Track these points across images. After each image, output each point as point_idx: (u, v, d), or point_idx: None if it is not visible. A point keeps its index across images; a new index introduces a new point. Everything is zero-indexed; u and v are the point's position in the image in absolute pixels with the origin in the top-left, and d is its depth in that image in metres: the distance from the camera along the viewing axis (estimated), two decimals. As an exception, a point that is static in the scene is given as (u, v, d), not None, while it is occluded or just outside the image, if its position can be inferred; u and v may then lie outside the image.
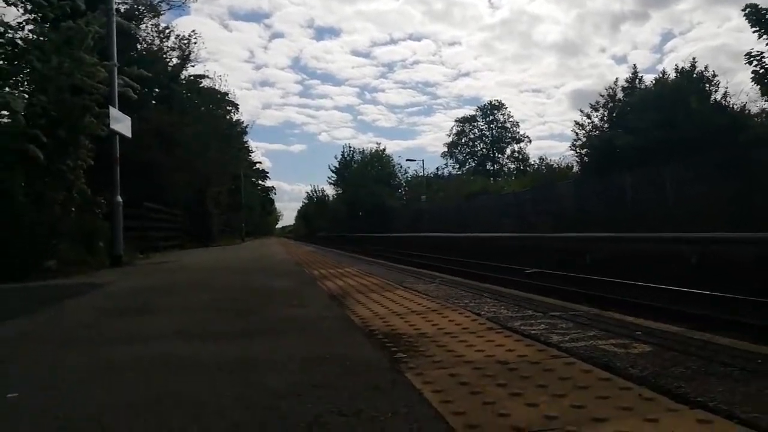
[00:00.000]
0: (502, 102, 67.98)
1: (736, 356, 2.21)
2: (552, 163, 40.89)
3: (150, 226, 18.97)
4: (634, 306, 8.49)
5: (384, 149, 65.29)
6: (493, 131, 65.07)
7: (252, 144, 76.53)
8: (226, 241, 35.05)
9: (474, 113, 66.59)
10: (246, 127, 48.39)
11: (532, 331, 2.82)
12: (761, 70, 16.85)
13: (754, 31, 16.57)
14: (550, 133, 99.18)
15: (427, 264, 16.00)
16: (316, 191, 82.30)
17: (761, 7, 16.61)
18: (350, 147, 69.77)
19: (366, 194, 54.63)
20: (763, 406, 1.60)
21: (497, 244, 22.31)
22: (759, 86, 17.44)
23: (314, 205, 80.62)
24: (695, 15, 72.88)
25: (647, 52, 78.59)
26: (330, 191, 74.28)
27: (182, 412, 1.80)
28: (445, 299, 4.10)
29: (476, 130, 66.02)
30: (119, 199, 11.63)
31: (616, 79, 30.22)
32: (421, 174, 52.58)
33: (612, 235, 16.12)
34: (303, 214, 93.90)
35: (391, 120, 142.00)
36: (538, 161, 47.88)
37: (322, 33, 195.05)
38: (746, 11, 16.74)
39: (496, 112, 65.22)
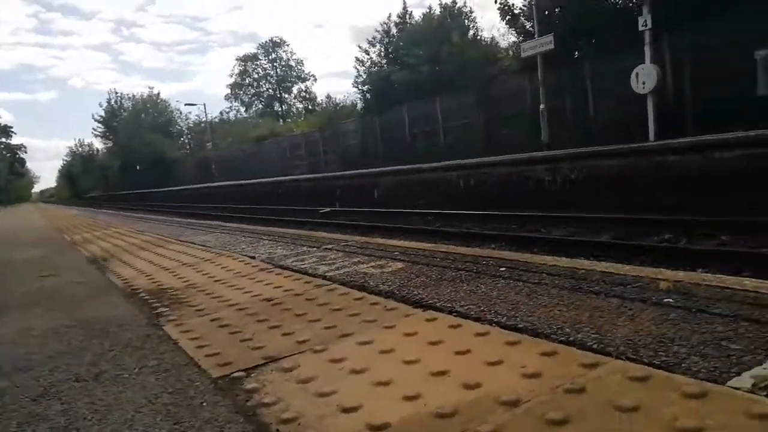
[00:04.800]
0: (284, 39, 66.23)
1: (468, 261, 2.59)
2: (337, 101, 41.64)
3: None
4: (411, 231, 9.50)
5: (158, 93, 59.11)
6: (278, 70, 63.21)
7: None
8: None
9: (256, 51, 63.71)
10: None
11: (303, 266, 2.91)
12: (505, 6, 19.18)
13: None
14: (334, 70, 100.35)
15: (216, 215, 15.38)
16: (81, 146, 71.32)
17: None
18: (117, 93, 61.35)
19: (141, 145, 49.16)
20: (476, 299, 1.91)
21: (290, 187, 22.42)
22: (504, 21, 19.85)
23: (80, 163, 69.91)
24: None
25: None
26: (99, 145, 65.09)
27: None
28: (222, 247, 3.99)
29: (260, 70, 63.34)
30: None
31: (389, 14, 31.40)
32: (204, 119, 49.11)
33: (395, 168, 17.38)
34: (66, 173, 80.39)
35: (159, 60, 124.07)
36: (325, 99, 48.26)
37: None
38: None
39: (278, 49, 63.19)
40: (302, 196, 19.90)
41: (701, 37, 11.47)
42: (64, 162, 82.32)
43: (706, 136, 8.94)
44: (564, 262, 2.35)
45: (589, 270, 2.11)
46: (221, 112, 58.79)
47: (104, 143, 61.82)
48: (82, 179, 67.64)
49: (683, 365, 1.18)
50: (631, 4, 14.52)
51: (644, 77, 11.75)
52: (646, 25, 11.41)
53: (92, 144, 68.05)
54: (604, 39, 14.30)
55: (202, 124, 49.36)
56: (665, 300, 1.63)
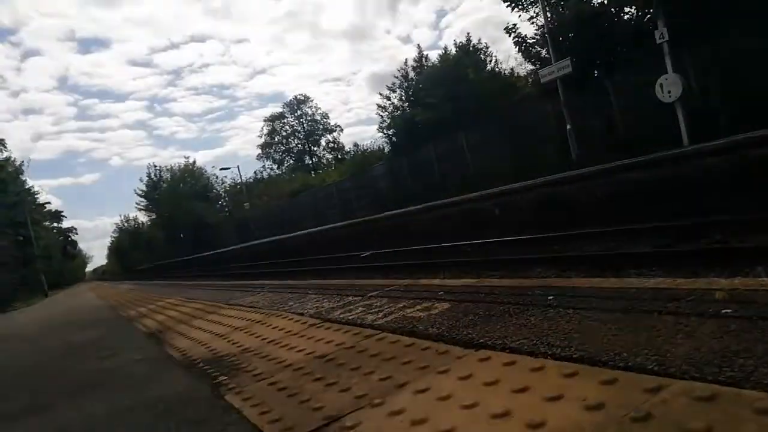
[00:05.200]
0: (307, 95, 68.66)
1: (514, 293, 2.57)
2: (365, 147, 42.60)
3: None
4: (453, 265, 9.44)
5: (194, 162, 61.73)
6: (304, 125, 65.28)
7: (33, 183, 66.08)
8: (24, 301, 30.00)
9: (281, 110, 66.14)
10: (20, 165, 41.83)
11: (351, 317, 2.94)
12: (518, 39, 19.51)
13: (507, 5, 19.08)
14: (357, 119, 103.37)
15: (260, 273, 15.66)
16: (126, 221, 74.60)
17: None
18: (155, 166, 64.52)
19: (183, 213, 51.12)
20: (526, 332, 1.89)
21: (328, 235, 22.70)
22: (520, 53, 20.20)
23: (127, 238, 72.93)
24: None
25: (427, 30, 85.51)
26: (143, 218, 68.04)
27: None
28: (271, 307, 4.06)
29: (287, 127, 65.59)
30: None
31: (406, 59, 32.38)
32: (240, 181, 50.83)
33: (428, 204, 17.40)
34: (115, 250, 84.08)
35: (192, 130, 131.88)
36: (352, 148, 49.54)
37: (88, 45, 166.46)
38: (497, -13, 19.26)
39: (303, 105, 65.46)
40: (341, 243, 20.08)
41: (722, 45, 11.45)
42: (112, 239, 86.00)
43: (741, 135, 8.68)
44: (612, 282, 2.31)
45: (639, 288, 2.07)
46: (255, 172, 60.84)
47: (148, 215, 64.52)
48: (130, 253, 70.28)
49: (752, 379, 1.14)
50: (646, 20, 14.55)
51: (669, 86, 11.80)
52: (663, 38, 11.59)
53: (137, 218, 71.05)
54: (620, 55, 14.31)
55: (238, 186, 51.01)
56: (723, 311, 1.58)
